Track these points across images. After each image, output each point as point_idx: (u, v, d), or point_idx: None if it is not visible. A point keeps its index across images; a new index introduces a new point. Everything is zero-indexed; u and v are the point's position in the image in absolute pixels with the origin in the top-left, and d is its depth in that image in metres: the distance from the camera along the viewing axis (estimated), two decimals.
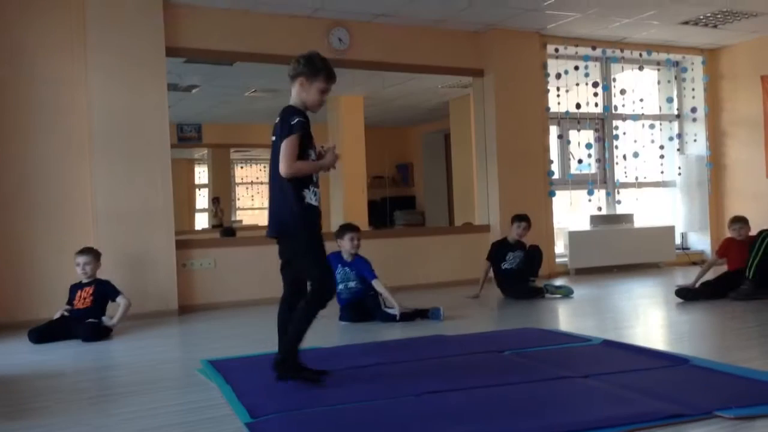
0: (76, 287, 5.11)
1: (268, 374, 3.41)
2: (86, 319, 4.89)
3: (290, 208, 3.16)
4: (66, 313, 4.99)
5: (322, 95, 3.23)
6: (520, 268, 6.19)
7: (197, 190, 12.68)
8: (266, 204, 11.88)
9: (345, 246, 5.17)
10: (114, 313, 5.06)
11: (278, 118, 3.21)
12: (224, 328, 5.26)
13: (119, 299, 5.08)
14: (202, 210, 12.28)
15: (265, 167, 13.04)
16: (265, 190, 13.01)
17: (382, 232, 8.32)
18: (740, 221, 6.19)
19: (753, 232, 6.26)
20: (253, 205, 12.88)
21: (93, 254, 5.14)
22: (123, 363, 4.13)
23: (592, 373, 3.14)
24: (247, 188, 12.97)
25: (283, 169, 3.11)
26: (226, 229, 10.29)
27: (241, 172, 13.04)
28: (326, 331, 4.89)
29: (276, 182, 3.22)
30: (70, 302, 5.07)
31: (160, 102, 6.02)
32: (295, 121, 3.11)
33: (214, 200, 12.01)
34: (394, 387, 3.05)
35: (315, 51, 3.33)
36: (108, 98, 5.80)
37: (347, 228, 5.25)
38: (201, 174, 12.77)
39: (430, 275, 7.19)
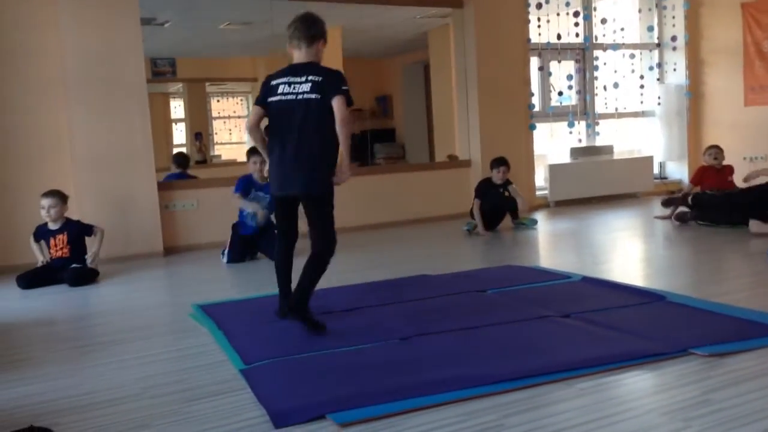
0: (46, 232, 5.04)
1: (258, 319, 3.51)
2: (69, 266, 4.91)
3: (326, 169, 3.23)
4: (46, 262, 5.00)
5: None
6: (500, 205, 6.31)
7: (174, 124, 12.49)
8: (245, 138, 11.57)
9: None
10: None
11: (316, 76, 3.20)
12: (211, 270, 5.29)
13: (94, 231, 5.12)
14: (180, 145, 12.11)
15: (242, 101, 12.86)
16: (242, 123, 12.88)
17: (363, 169, 8.27)
18: (716, 147, 6.28)
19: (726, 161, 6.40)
20: (231, 140, 12.74)
21: (59, 197, 5.03)
22: (112, 309, 4.17)
23: (573, 312, 3.25)
24: (224, 122, 12.79)
25: (347, 124, 3.18)
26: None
27: (217, 106, 12.83)
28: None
29: (314, 139, 3.19)
30: (41, 239, 5.05)
31: (134, 39, 5.88)
32: (346, 89, 3.20)
33: (196, 135, 11.82)
34: (380, 331, 3.13)
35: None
36: (81, 38, 5.66)
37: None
38: (176, 108, 12.55)
39: (411, 211, 7.24)
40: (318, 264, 3.22)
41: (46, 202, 4.99)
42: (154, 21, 7.80)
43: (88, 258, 5.04)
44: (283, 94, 3.23)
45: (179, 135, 12.26)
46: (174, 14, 8.06)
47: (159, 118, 11.41)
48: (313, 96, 3.17)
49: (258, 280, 4.70)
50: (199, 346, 3.15)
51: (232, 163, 11.49)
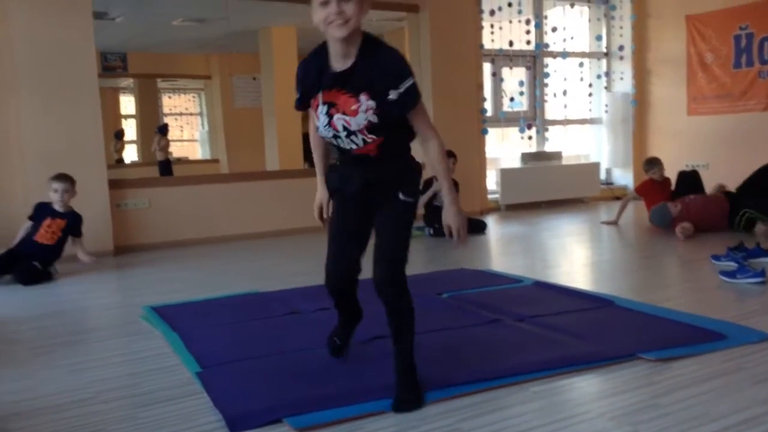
0: (47, 211, 4.91)
1: (212, 320, 3.49)
2: (47, 257, 4.84)
3: None
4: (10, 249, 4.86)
5: (325, 8, 2.12)
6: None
7: (123, 120, 12.22)
8: (197, 135, 11.56)
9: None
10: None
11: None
12: (163, 270, 5.23)
13: (78, 241, 5.05)
14: (131, 141, 11.88)
15: (194, 97, 12.66)
16: (194, 120, 12.71)
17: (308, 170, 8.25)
18: (657, 164, 6.50)
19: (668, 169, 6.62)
20: (182, 137, 12.54)
21: (71, 181, 4.95)
22: (62, 310, 4.07)
23: (526, 316, 3.32)
24: (176, 119, 12.59)
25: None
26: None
27: (169, 102, 12.61)
28: (268, 274, 4.95)
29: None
30: (33, 220, 4.92)
31: (86, 32, 5.77)
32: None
33: (116, 134, 11.35)
34: None
35: None
36: (31, 30, 5.52)
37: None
38: (127, 103, 12.29)
39: None
40: None
41: (59, 185, 4.89)
42: (106, 15, 7.66)
43: (86, 259, 4.99)
44: None
45: (130, 132, 12.01)
46: (127, 9, 7.93)
47: (109, 114, 11.17)
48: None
49: (209, 282, 4.66)
50: (152, 348, 3.12)
51: (184, 161, 11.32)
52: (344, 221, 2.46)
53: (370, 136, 2.27)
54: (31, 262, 4.77)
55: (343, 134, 2.28)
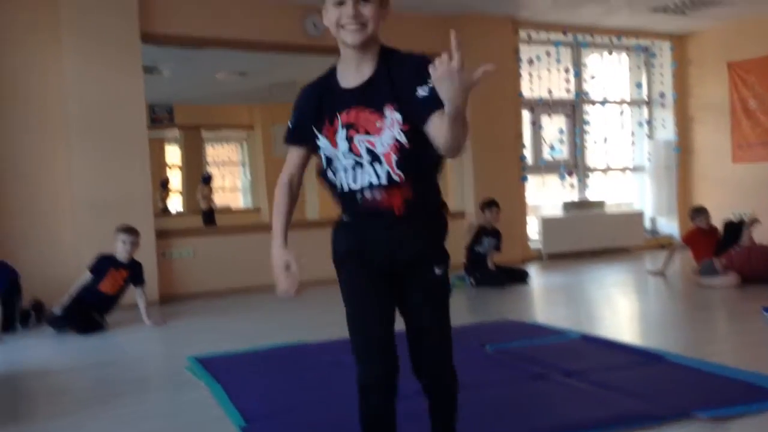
0: (109, 262, 4.96)
1: (256, 372, 3.49)
2: (107, 306, 4.94)
3: None
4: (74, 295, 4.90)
5: (339, 8, 1.79)
6: (488, 253, 6.30)
7: (168, 169, 12.52)
8: (239, 184, 11.78)
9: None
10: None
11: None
12: (207, 320, 5.28)
13: (140, 290, 5.05)
14: (176, 192, 12.16)
15: (236, 147, 12.93)
16: (236, 170, 12.95)
17: None
18: (703, 212, 6.40)
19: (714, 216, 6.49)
20: (224, 186, 12.82)
21: (138, 234, 5.03)
22: (112, 360, 4.12)
23: (573, 371, 3.25)
24: (219, 168, 12.88)
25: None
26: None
27: (212, 152, 12.92)
28: (310, 324, 4.95)
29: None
30: (95, 272, 4.92)
31: (136, 87, 5.98)
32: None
33: (162, 183, 11.52)
34: None
35: None
36: (84, 85, 5.74)
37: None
38: (172, 153, 12.61)
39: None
40: None
41: (128, 238, 4.97)
42: (155, 70, 7.92)
43: (147, 321, 5.00)
44: None
45: (175, 181, 12.29)
46: (174, 64, 8.19)
47: (155, 163, 11.44)
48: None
49: (253, 332, 4.68)
50: (197, 400, 3.13)
51: (226, 211, 11.52)
52: (376, 299, 1.98)
53: (397, 171, 1.83)
54: (90, 313, 4.85)
55: (366, 160, 1.84)
